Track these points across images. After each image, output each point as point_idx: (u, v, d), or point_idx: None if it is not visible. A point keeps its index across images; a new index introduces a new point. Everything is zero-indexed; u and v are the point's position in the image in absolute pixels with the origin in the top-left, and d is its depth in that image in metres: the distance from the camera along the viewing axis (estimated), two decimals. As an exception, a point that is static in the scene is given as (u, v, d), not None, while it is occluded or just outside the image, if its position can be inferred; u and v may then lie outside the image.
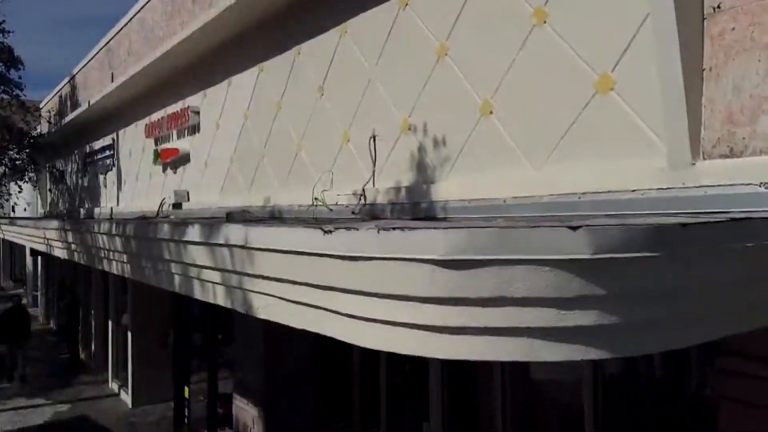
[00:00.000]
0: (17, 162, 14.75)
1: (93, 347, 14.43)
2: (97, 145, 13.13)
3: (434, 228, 1.69)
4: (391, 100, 4.91)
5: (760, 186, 2.67)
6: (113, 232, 4.16)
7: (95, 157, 13.32)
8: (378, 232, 1.76)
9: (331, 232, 1.93)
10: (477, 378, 6.28)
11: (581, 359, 1.71)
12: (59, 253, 6.39)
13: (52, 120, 16.25)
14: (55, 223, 6.27)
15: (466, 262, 1.65)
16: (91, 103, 11.64)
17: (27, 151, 14.68)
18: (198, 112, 8.37)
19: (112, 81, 10.94)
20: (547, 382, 5.85)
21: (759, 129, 2.77)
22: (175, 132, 9.04)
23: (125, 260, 4.16)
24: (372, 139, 5.02)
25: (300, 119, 6.11)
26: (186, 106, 8.49)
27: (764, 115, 2.77)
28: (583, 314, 1.65)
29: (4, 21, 14.93)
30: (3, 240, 31.74)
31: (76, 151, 15.00)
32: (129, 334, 11.48)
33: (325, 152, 5.65)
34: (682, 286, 1.76)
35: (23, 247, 28.47)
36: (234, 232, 2.48)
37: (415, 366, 6.81)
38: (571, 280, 1.63)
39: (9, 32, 15.05)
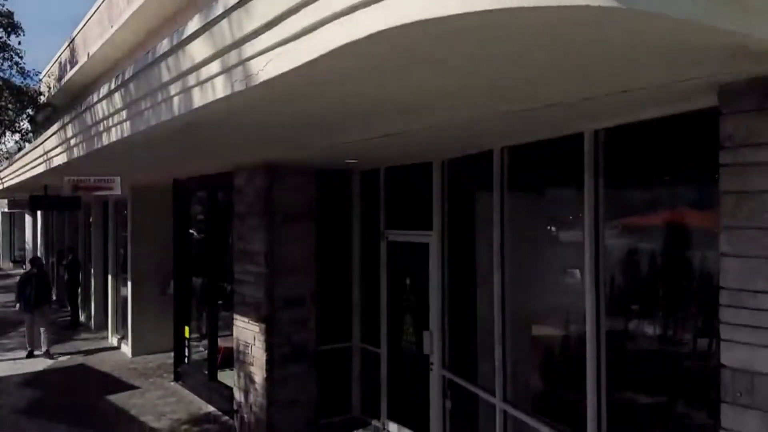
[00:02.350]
0: (16, 123, 14.70)
1: (93, 309, 14.40)
2: (97, 102, 13.09)
3: None
4: None
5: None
6: (112, 87, 4.14)
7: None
8: None
9: None
10: (477, 288, 6.27)
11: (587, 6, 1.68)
12: (59, 160, 6.36)
13: (52, 85, 16.22)
14: (54, 127, 6.25)
15: None
16: (91, 54, 11.61)
17: (27, 111, 14.63)
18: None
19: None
20: (548, 292, 5.82)
21: None
22: (174, 68, 8.99)
23: (124, 117, 4.13)
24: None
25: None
26: (186, 38, 8.45)
27: None
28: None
29: (3, -18, 14.82)
30: (2, 221, 31.83)
31: (75, 115, 14.97)
32: (129, 284, 11.46)
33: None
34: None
35: (23, 229, 28.51)
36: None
37: (415, 279, 6.80)
38: None
39: (8, -6, 14.93)
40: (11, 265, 30.07)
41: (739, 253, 2.87)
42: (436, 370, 6.42)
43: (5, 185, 11.58)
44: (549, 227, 5.66)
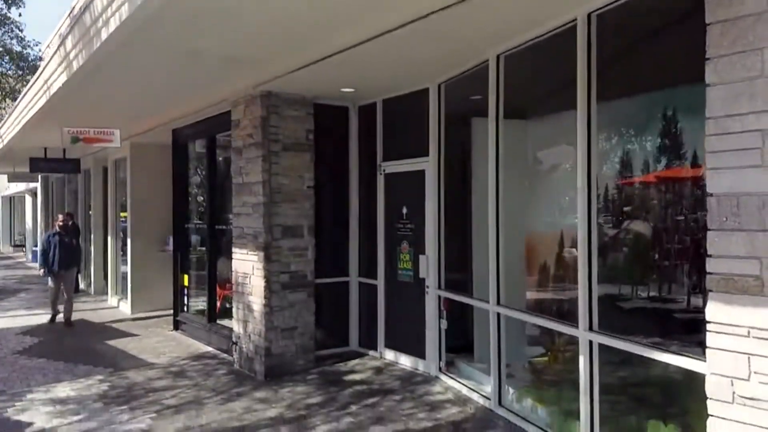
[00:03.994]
0: (16, 91, 14.76)
1: (92, 275, 14.44)
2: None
3: None
4: None
5: None
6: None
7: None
8: None
9: None
10: (471, 208, 6.34)
11: None
12: (60, 81, 6.40)
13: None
14: (54, 44, 6.32)
15: None
16: (90, 15, 11.64)
17: (28, 78, 14.69)
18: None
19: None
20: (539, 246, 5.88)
21: None
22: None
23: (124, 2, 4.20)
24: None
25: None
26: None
27: None
28: None
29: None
30: (2, 205, 31.94)
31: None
32: (129, 243, 11.51)
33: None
34: None
35: (23, 214, 28.60)
36: None
37: (411, 207, 6.86)
38: None
39: (9, -36, 15.04)
40: (11, 249, 30.16)
41: (724, 80, 2.94)
42: (432, 291, 6.48)
43: (5, 141, 11.63)
44: (543, 140, 5.74)
